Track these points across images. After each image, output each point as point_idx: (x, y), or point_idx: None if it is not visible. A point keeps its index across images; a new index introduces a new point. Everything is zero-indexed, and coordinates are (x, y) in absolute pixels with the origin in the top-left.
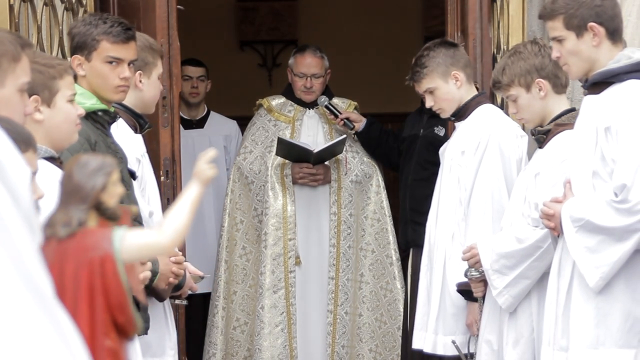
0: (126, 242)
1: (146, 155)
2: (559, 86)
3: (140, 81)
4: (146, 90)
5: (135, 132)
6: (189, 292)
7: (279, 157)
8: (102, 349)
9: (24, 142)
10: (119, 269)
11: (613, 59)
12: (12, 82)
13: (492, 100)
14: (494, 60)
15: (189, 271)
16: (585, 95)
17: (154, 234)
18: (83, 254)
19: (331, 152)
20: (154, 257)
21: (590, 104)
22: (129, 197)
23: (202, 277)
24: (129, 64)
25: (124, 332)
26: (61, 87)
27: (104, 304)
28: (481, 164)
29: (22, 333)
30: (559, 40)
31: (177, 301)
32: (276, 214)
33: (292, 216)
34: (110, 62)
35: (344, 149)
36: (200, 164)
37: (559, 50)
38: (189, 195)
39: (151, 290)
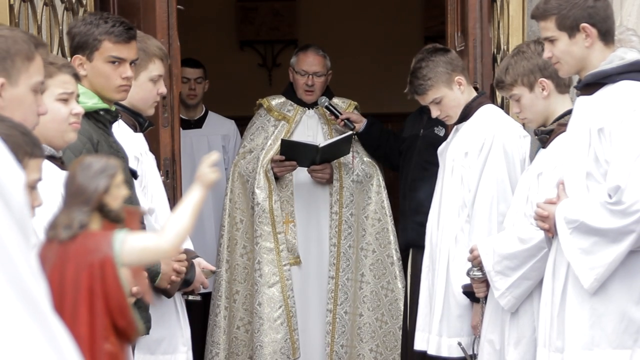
0: (127, 245)
1: (148, 153)
2: (562, 86)
3: None
4: (132, 92)
5: (135, 130)
6: (201, 288)
7: (268, 156)
8: (102, 353)
9: (39, 148)
10: (119, 273)
11: (605, 59)
12: (26, 81)
13: (492, 100)
14: (494, 60)
15: (202, 266)
16: (578, 96)
17: (155, 237)
18: (83, 257)
19: (337, 151)
20: (155, 261)
21: (583, 105)
22: (129, 198)
23: (214, 272)
24: (130, 64)
25: (124, 336)
26: (49, 85)
27: (103, 308)
28: (485, 164)
29: (11, 342)
30: (551, 40)
31: (190, 297)
32: (263, 210)
33: (278, 210)
34: (113, 62)
35: (351, 149)
36: (202, 167)
37: (551, 50)
38: (191, 199)
39: (158, 287)
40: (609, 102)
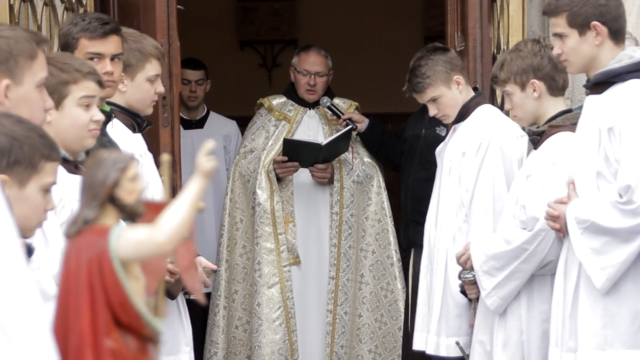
0: (122, 239)
1: (148, 154)
2: (555, 89)
3: (122, 82)
4: (130, 92)
5: (134, 131)
6: (203, 287)
7: (269, 156)
8: (104, 350)
9: (56, 151)
10: (116, 267)
11: (614, 58)
12: (30, 79)
13: (492, 100)
14: (494, 60)
15: (203, 265)
16: (587, 95)
17: (149, 230)
18: (84, 252)
19: (338, 148)
20: (154, 255)
21: (592, 104)
22: None
23: (215, 271)
24: (112, 59)
25: (136, 333)
26: (72, 91)
27: (104, 303)
28: (483, 164)
29: None
30: (561, 36)
31: (191, 296)
32: (265, 210)
33: (280, 210)
34: (91, 59)
35: (350, 145)
36: (199, 157)
37: (560, 47)
38: (189, 190)
39: None
40: (618, 101)
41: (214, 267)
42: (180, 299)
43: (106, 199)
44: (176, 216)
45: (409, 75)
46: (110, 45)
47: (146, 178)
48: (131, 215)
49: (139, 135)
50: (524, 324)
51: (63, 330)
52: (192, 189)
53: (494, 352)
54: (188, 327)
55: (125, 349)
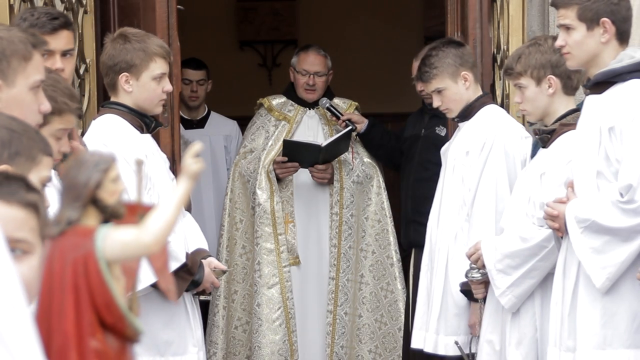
0: (108, 240)
1: (156, 154)
2: (569, 87)
3: (128, 82)
4: (136, 92)
5: (142, 131)
6: (212, 287)
7: (269, 156)
8: (88, 350)
9: (50, 146)
10: (102, 268)
11: (615, 59)
12: (23, 81)
13: (492, 100)
14: (494, 60)
15: (212, 266)
16: (587, 95)
17: (136, 232)
18: (69, 253)
19: (338, 149)
20: (139, 256)
21: (592, 103)
22: None
23: (225, 272)
24: (64, 55)
25: (118, 333)
26: None
27: (89, 304)
28: (486, 164)
29: None
30: (567, 29)
31: (201, 297)
32: (265, 211)
33: (280, 211)
34: (42, 55)
35: (350, 145)
36: (186, 158)
37: (565, 39)
38: (176, 192)
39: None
40: (619, 101)
41: (225, 267)
42: (189, 300)
43: (89, 200)
44: (163, 217)
45: (419, 63)
46: (60, 40)
47: (151, 179)
48: (112, 216)
49: (148, 136)
50: (539, 321)
51: (45, 331)
52: (179, 191)
53: (507, 351)
54: (197, 328)
55: (109, 350)
